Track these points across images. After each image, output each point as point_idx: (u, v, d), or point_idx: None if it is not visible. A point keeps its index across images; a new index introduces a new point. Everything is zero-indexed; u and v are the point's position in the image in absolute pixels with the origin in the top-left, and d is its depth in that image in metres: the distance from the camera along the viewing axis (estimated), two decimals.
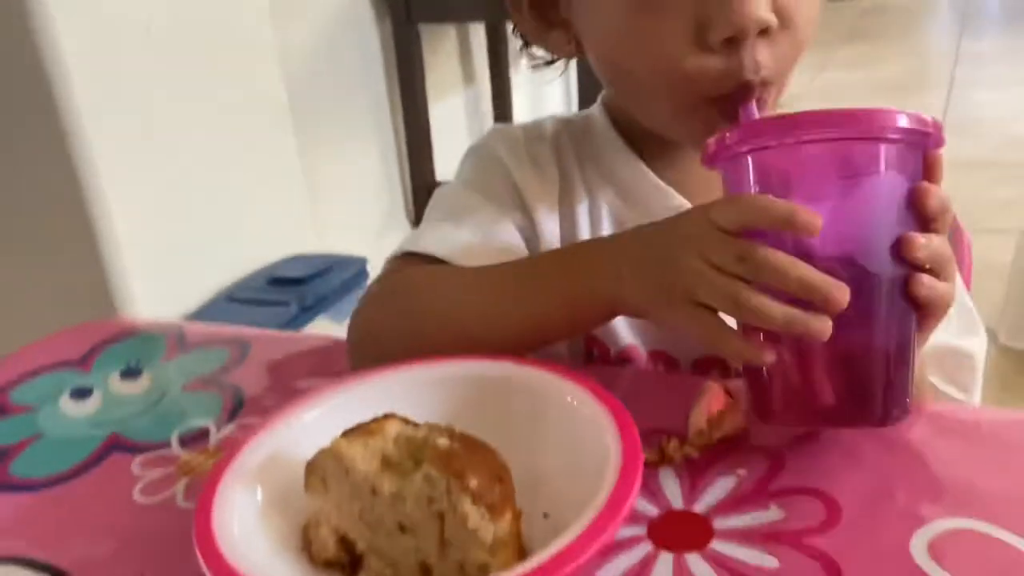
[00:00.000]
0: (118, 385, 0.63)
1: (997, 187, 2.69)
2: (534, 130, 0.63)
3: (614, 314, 0.50)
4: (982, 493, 0.43)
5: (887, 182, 0.40)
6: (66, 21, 1.22)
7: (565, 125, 0.64)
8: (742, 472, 0.46)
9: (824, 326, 0.39)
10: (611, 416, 0.41)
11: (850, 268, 0.40)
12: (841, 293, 0.39)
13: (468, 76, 2.56)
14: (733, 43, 0.48)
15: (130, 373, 0.64)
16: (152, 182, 1.36)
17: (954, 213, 0.59)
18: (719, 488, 0.45)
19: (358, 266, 1.58)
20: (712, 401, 0.48)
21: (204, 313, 1.41)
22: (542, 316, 0.50)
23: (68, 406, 0.61)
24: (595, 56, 0.57)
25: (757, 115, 0.49)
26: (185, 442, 0.55)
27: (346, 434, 0.40)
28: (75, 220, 1.28)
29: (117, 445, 0.56)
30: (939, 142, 0.42)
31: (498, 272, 0.53)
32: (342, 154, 2.16)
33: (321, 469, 0.39)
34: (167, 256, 1.39)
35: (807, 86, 4.17)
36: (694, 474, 0.46)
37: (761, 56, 0.49)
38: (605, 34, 0.54)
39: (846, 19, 5.99)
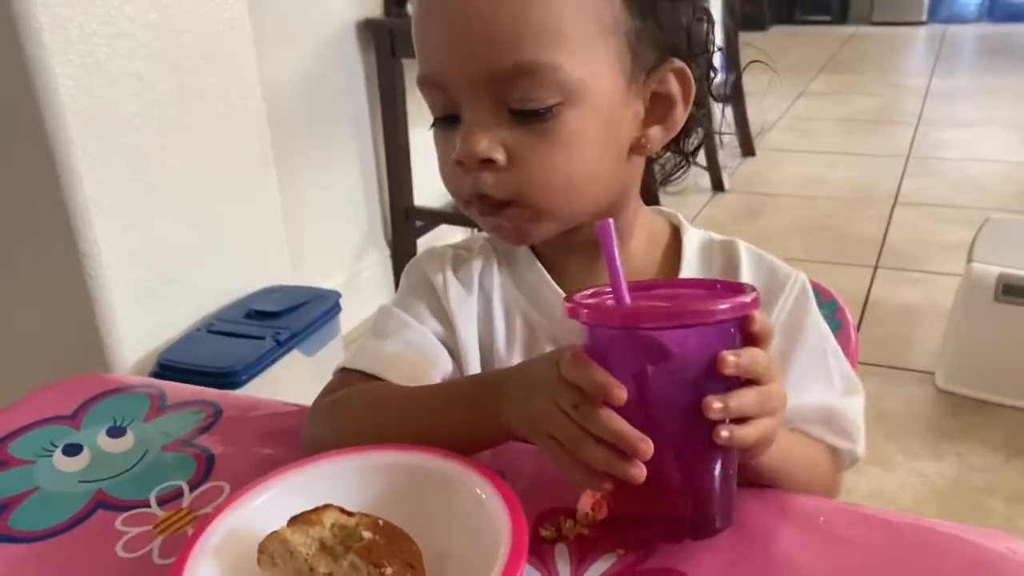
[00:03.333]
0: (105, 443, 0.73)
1: (948, 229, 2.78)
2: (463, 248, 0.74)
3: (509, 437, 0.60)
4: (802, 573, 0.54)
5: (696, 357, 0.50)
6: (63, 68, 1.31)
7: (490, 240, 0.74)
8: (620, 552, 0.56)
9: (636, 472, 0.49)
10: (508, 509, 0.51)
11: (668, 420, 0.50)
12: (645, 446, 0.48)
13: None
14: (464, 167, 0.62)
15: (116, 431, 0.74)
16: (136, 215, 1.45)
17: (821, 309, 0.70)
18: (600, 565, 0.55)
19: (333, 300, 1.67)
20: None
21: (183, 344, 1.49)
22: (447, 440, 0.60)
23: (61, 461, 0.71)
24: None
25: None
26: (162, 501, 0.65)
27: (293, 520, 0.50)
28: (63, 252, 1.37)
29: (103, 503, 0.65)
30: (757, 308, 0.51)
31: (416, 401, 0.64)
32: (322, 180, 2.25)
33: (270, 550, 0.49)
34: (149, 287, 1.48)
35: (782, 112, 4.29)
36: (583, 550, 0.56)
37: (483, 181, 0.61)
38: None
39: (827, 46, 6.14)
